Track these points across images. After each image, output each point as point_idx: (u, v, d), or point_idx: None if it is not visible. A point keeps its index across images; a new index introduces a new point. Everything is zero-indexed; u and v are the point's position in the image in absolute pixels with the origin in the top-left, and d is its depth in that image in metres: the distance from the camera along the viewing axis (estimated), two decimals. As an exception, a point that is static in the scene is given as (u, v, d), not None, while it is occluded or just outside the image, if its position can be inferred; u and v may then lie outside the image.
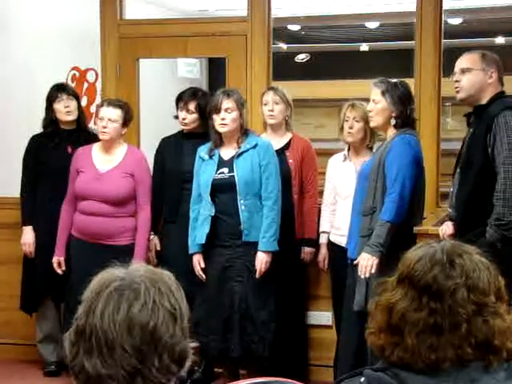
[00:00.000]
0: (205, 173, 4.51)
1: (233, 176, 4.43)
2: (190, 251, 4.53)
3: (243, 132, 4.52)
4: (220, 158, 4.51)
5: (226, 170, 4.47)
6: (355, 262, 4.07)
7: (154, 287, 1.55)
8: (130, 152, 4.80)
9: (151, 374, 1.50)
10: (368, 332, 1.71)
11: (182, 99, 4.90)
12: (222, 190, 4.44)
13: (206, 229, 4.44)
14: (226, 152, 4.53)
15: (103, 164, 4.73)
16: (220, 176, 4.46)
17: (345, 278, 4.36)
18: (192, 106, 4.86)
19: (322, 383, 4.91)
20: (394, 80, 4.28)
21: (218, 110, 4.45)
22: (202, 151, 4.57)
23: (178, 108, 4.92)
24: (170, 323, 1.53)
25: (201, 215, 4.50)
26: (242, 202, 4.41)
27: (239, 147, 4.49)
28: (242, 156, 4.47)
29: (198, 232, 4.49)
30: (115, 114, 4.67)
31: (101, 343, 1.49)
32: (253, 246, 4.42)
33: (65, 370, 5.01)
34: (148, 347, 1.50)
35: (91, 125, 5.65)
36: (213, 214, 4.42)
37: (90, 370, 1.50)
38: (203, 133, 4.87)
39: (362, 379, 1.66)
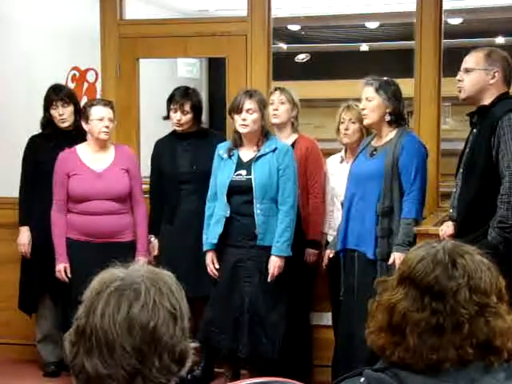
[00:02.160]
0: (223, 173, 4.50)
1: (250, 179, 4.42)
2: (204, 248, 4.55)
3: (264, 134, 4.50)
4: (239, 159, 4.49)
5: (244, 172, 4.45)
6: (390, 262, 4.07)
7: (154, 287, 1.55)
8: (120, 149, 4.82)
9: (151, 374, 1.50)
10: (368, 331, 1.71)
11: (174, 100, 4.88)
12: (239, 192, 4.43)
13: (220, 229, 4.44)
14: (246, 153, 4.51)
15: (97, 163, 4.73)
16: (237, 178, 4.45)
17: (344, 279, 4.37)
18: (187, 106, 4.85)
19: (323, 383, 4.90)
20: (384, 78, 4.33)
21: (239, 111, 4.43)
22: (221, 149, 4.55)
23: (170, 109, 4.90)
24: (170, 323, 1.53)
25: (215, 214, 4.49)
26: (257, 205, 4.39)
27: (259, 150, 4.47)
28: (261, 159, 4.45)
29: (212, 231, 4.50)
30: (111, 113, 4.69)
31: (101, 343, 1.49)
32: (266, 250, 4.41)
33: (64, 369, 5.01)
34: (148, 347, 1.50)
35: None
36: (228, 216, 4.42)
37: (90, 370, 1.50)
38: (196, 132, 4.87)
39: (362, 379, 1.66)
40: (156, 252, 4.92)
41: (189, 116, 4.87)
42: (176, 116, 4.86)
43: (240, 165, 4.48)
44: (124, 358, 1.49)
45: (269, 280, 4.40)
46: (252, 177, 4.42)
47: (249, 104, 4.43)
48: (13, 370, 5.25)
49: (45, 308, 5.12)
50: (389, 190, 4.17)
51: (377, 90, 4.23)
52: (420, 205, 4.19)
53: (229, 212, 4.42)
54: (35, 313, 5.19)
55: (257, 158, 4.46)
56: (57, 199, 4.73)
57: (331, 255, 4.59)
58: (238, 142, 4.51)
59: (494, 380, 1.62)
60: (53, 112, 5.02)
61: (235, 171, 4.46)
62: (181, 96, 4.88)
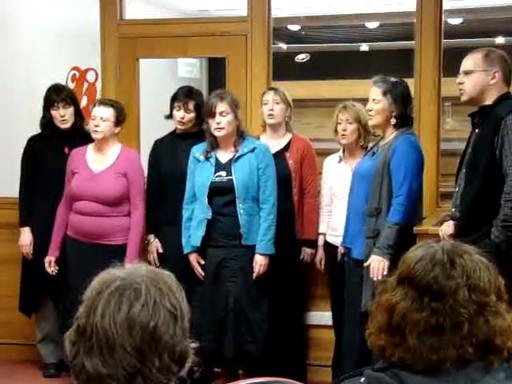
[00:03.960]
0: (201, 175, 4.50)
1: (231, 179, 4.43)
2: (185, 251, 4.54)
3: (239, 134, 4.51)
4: (217, 161, 4.50)
5: (223, 173, 4.46)
6: (366, 264, 4.07)
7: (154, 287, 1.55)
8: (124, 152, 4.81)
9: (151, 373, 1.50)
10: (368, 332, 1.71)
11: (178, 98, 4.88)
12: (220, 193, 4.44)
13: (202, 232, 4.45)
14: (223, 155, 4.52)
15: (97, 164, 4.74)
16: (218, 179, 4.46)
17: (343, 278, 4.37)
18: (191, 105, 4.85)
19: (320, 383, 4.91)
20: (394, 79, 4.29)
21: (212, 114, 4.44)
22: (197, 152, 4.56)
23: (173, 107, 4.91)
24: (170, 323, 1.53)
25: (195, 217, 4.50)
26: (240, 205, 4.41)
27: (236, 150, 4.48)
28: (241, 159, 4.46)
29: (193, 234, 4.50)
30: (107, 112, 4.67)
31: (101, 343, 1.50)
32: (249, 249, 4.43)
33: (64, 370, 5.01)
34: (148, 347, 1.50)
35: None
36: (210, 218, 4.43)
37: (90, 369, 1.50)
38: (197, 132, 4.87)
39: (362, 379, 1.66)
40: (160, 250, 4.91)
41: (192, 115, 4.87)
42: (179, 114, 4.86)
43: (219, 166, 4.49)
44: (124, 358, 1.49)
45: (254, 278, 4.41)
46: (233, 177, 4.43)
47: (221, 107, 4.44)
48: (13, 370, 5.25)
49: (45, 308, 5.12)
50: (377, 190, 4.14)
51: (384, 93, 4.20)
52: (405, 209, 4.08)
53: (211, 214, 4.43)
54: (35, 313, 5.19)
55: (236, 159, 4.47)
56: (64, 194, 4.78)
57: (342, 251, 4.56)
58: (215, 144, 4.51)
59: (494, 380, 1.62)
60: (54, 113, 5.02)
61: (214, 173, 4.47)
62: (185, 95, 4.89)
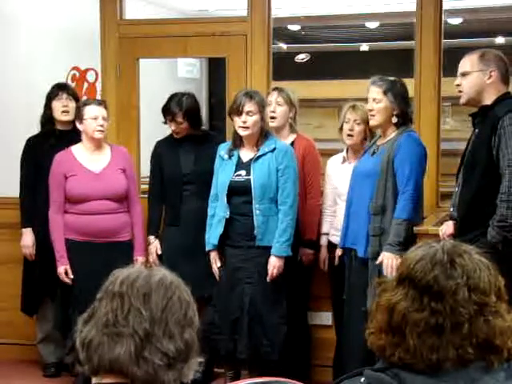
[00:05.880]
0: (223, 173, 4.50)
1: (249, 179, 4.41)
2: (207, 248, 4.55)
3: (264, 134, 4.48)
4: (239, 160, 4.49)
5: (243, 172, 4.45)
6: (378, 262, 4.07)
7: (171, 278, 1.64)
8: (116, 149, 4.84)
9: (160, 341, 1.55)
10: (368, 332, 1.71)
11: (168, 112, 4.86)
12: (238, 193, 4.42)
13: (220, 230, 4.45)
14: (246, 154, 4.50)
15: (94, 164, 4.73)
16: (237, 178, 4.44)
17: (344, 279, 4.37)
18: (179, 117, 4.83)
19: (321, 383, 4.91)
20: (391, 78, 4.31)
21: (239, 113, 4.41)
22: (222, 150, 4.55)
23: (165, 119, 4.90)
24: (182, 306, 1.61)
25: (217, 215, 4.50)
26: (256, 206, 4.39)
27: (258, 150, 4.46)
28: (260, 159, 4.44)
29: (213, 232, 4.50)
30: (105, 112, 4.70)
31: (117, 306, 1.57)
32: (266, 250, 4.40)
33: (64, 370, 5.01)
34: (161, 315, 1.57)
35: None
36: (227, 216, 4.42)
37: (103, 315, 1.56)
38: (196, 135, 4.86)
39: (362, 379, 1.66)
40: (159, 252, 4.91)
41: (183, 125, 4.87)
42: (171, 126, 4.89)
43: (240, 165, 4.47)
44: (138, 321, 1.55)
45: (268, 280, 4.39)
46: (251, 177, 4.41)
47: (249, 106, 4.41)
48: (13, 370, 5.25)
49: (46, 308, 5.12)
50: (382, 188, 4.15)
51: (385, 93, 4.22)
52: (413, 205, 4.13)
53: (228, 213, 4.42)
54: (36, 314, 5.19)
55: (256, 159, 4.45)
56: (54, 200, 4.72)
57: (340, 253, 4.57)
58: (238, 142, 4.50)
59: (494, 380, 1.63)
60: (56, 104, 5.03)
61: (235, 172, 4.46)
62: (173, 107, 4.84)
